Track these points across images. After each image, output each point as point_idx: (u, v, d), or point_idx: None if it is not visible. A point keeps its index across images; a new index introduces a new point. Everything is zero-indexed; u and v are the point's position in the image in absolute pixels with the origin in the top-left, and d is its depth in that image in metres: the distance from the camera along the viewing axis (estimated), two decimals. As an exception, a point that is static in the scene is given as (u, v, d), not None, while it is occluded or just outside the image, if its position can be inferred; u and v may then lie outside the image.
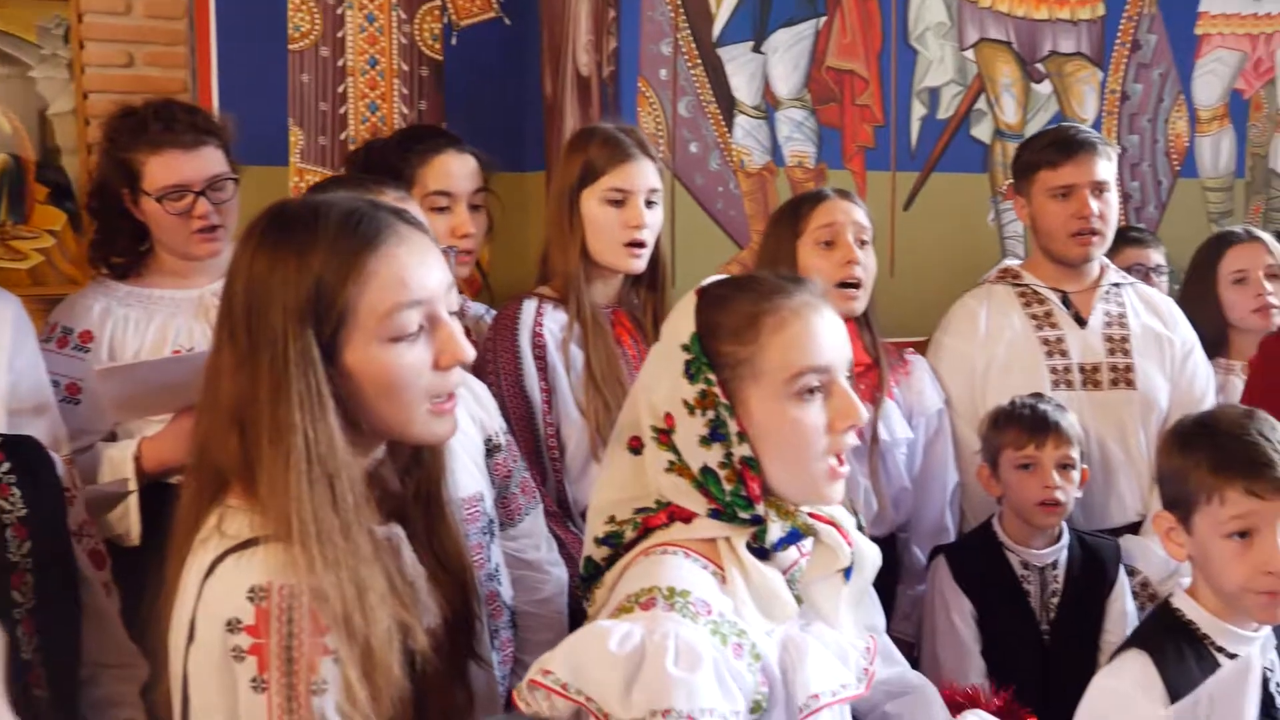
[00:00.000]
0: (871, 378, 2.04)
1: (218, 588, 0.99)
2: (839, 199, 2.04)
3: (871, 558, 1.20)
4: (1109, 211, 2.16)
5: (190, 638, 1.01)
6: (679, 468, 1.13)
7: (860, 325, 2.03)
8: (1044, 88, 2.94)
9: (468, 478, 1.44)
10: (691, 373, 1.12)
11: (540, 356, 1.84)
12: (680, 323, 1.16)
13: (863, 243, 2.02)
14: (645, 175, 1.89)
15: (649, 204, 1.89)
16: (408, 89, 2.82)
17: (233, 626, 0.97)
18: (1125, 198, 3.02)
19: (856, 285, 1.98)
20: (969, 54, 2.88)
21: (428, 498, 1.14)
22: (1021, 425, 1.93)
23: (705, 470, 1.11)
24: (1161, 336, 2.19)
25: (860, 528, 1.71)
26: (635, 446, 1.17)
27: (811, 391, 1.11)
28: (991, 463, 1.97)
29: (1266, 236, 2.50)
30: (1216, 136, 3.03)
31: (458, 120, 2.93)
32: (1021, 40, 2.90)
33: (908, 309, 2.53)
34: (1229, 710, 0.91)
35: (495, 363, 1.84)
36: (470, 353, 1.06)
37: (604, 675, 1.01)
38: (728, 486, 1.11)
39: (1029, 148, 2.27)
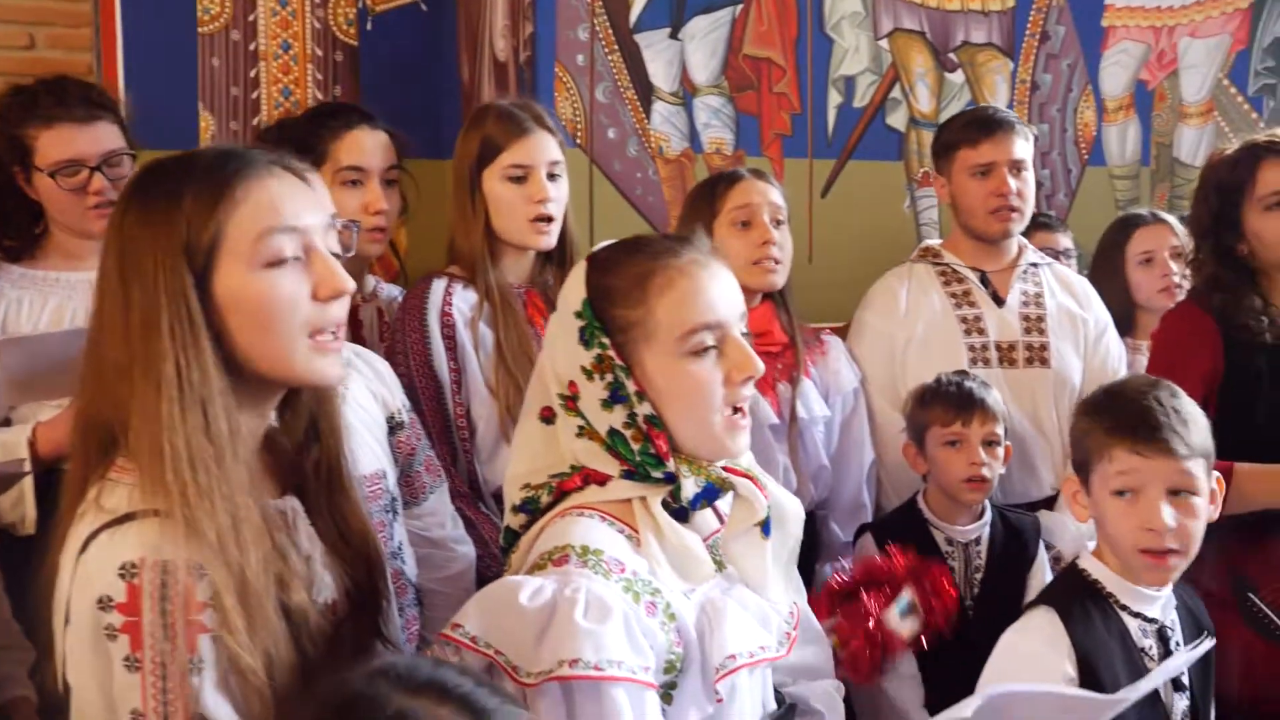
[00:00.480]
0: (788, 357, 2.07)
1: (90, 565, 0.97)
2: (754, 179, 2.06)
3: (793, 512, 1.21)
4: (1027, 190, 2.20)
5: (66, 618, 0.99)
6: (589, 432, 1.14)
7: (777, 305, 2.05)
8: (957, 77, 2.99)
9: (369, 455, 1.42)
10: (586, 338, 1.13)
11: (449, 336, 1.82)
12: (572, 290, 1.16)
13: (778, 222, 2.03)
14: (545, 148, 1.88)
15: (552, 177, 1.88)
16: (322, 74, 2.78)
17: (104, 604, 0.94)
18: (1037, 185, 3.09)
19: (775, 263, 1.99)
20: (884, 43, 2.92)
21: (328, 472, 1.12)
22: (948, 402, 1.95)
23: (612, 432, 1.12)
24: (1076, 316, 2.23)
25: None
26: (547, 416, 1.18)
27: (705, 348, 1.12)
28: (917, 440, 1.99)
29: (1171, 219, 2.58)
30: (1123, 126, 3.11)
31: (374, 107, 2.89)
32: (935, 30, 2.95)
33: (826, 294, 2.56)
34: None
35: (404, 342, 1.83)
36: (349, 283, 1.05)
37: (515, 629, 1.01)
38: (635, 446, 1.12)
39: (949, 127, 2.31)
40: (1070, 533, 2.04)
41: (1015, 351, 2.17)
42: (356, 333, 1.86)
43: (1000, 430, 1.95)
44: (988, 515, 1.99)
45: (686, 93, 2.72)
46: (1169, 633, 1.43)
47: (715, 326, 1.13)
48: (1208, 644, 1.17)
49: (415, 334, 1.81)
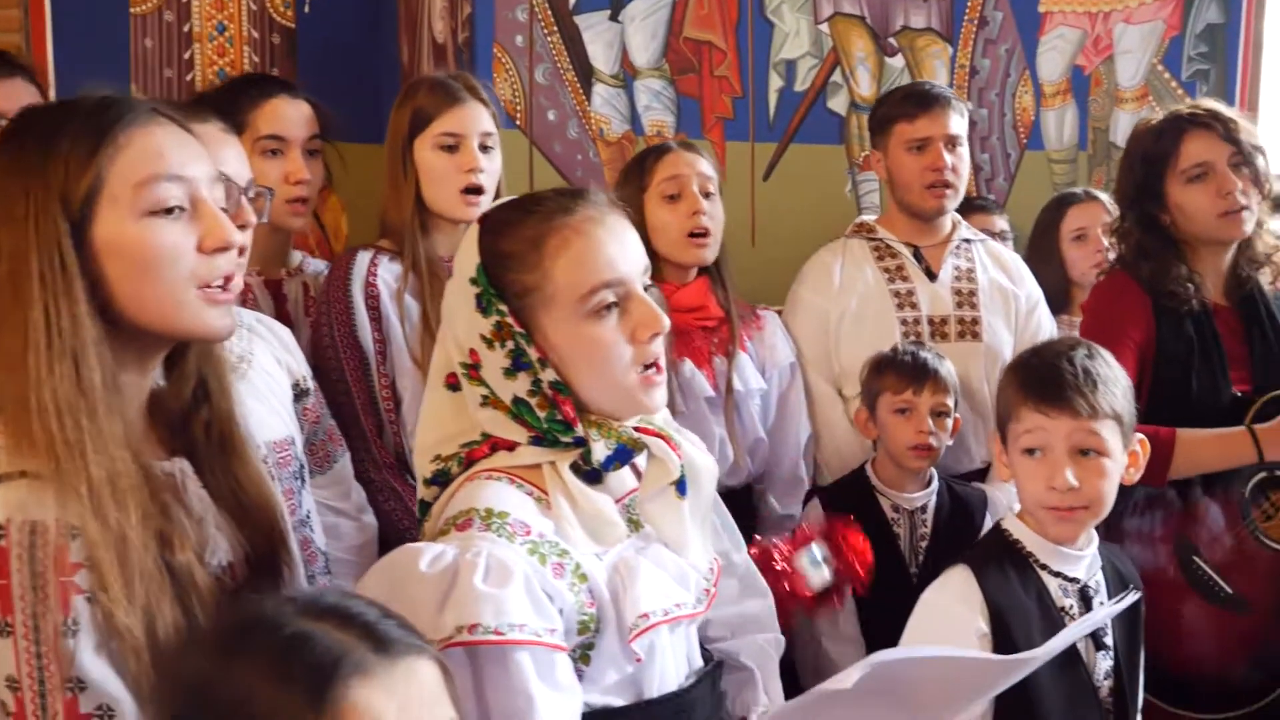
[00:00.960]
0: (724, 331, 2.07)
1: None
2: (682, 151, 2.06)
3: (706, 469, 1.19)
4: (961, 165, 2.22)
5: None
6: (493, 401, 1.11)
7: (713, 279, 2.06)
8: (897, 62, 3.01)
9: (278, 421, 1.41)
10: (483, 306, 1.10)
11: (373, 307, 1.81)
12: (466, 256, 1.13)
13: (708, 193, 2.03)
14: (477, 118, 1.87)
15: (484, 149, 1.87)
16: (259, 56, 2.75)
17: None
18: (976, 169, 3.13)
19: (705, 235, 1.99)
20: (824, 28, 2.94)
21: (220, 434, 1.09)
22: (901, 371, 1.98)
23: (517, 401, 1.10)
24: (1007, 291, 2.26)
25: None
26: (452, 384, 1.15)
27: (608, 307, 1.09)
28: (870, 406, 2.02)
29: (1104, 196, 2.62)
30: (1060, 111, 3.15)
31: (313, 90, 2.86)
32: (874, 15, 2.98)
33: (769, 276, 2.57)
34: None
35: (328, 314, 1.81)
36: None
37: (415, 596, 0.99)
38: (542, 413, 1.10)
39: (885, 102, 2.33)
40: (1001, 505, 2.06)
41: (947, 325, 2.20)
42: (281, 307, 1.84)
43: (950, 402, 1.98)
44: (934, 485, 2.02)
45: (627, 75, 2.72)
46: (1091, 592, 1.45)
47: (616, 284, 1.10)
48: (1131, 598, 1.18)
49: (339, 305, 1.80)
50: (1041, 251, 2.62)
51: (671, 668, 1.14)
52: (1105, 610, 1.05)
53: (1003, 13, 3.08)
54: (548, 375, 1.09)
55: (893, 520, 1.98)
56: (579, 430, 1.10)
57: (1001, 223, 2.81)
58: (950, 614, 1.38)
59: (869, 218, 2.39)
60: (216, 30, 2.68)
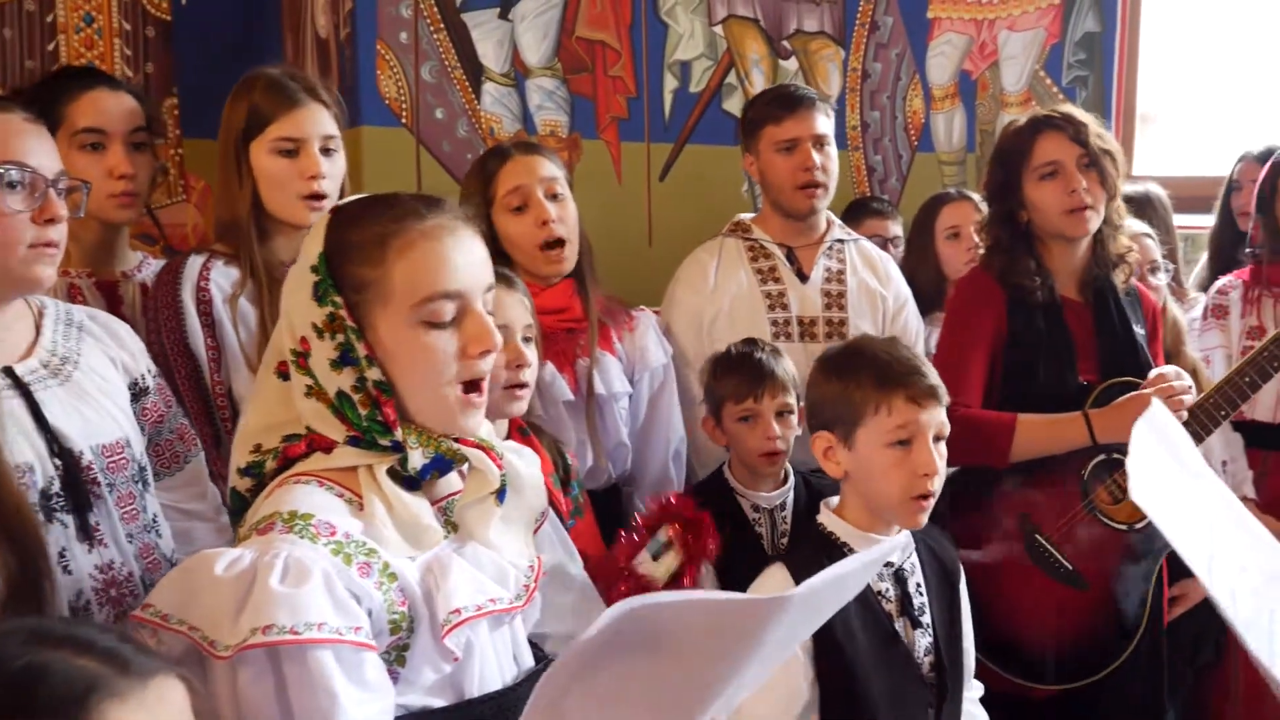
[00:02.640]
0: (587, 333, 2.03)
1: None
2: (521, 156, 1.97)
3: (531, 479, 1.19)
4: (830, 164, 2.24)
5: None
6: (316, 391, 1.09)
7: (578, 281, 2.01)
8: (791, 64, 3.04)
9: (109, 424, 1.33)
10: (319, 295, 1.07)
11: (206, 313, 1.73)
12: (311, 243, 1.11)
13: (555, 194, 1.96)
14: (318, 121, 1.78)
15: (326, 152, 1.79)
16: (131, 50, 2.63)
17: None
18: (869, 171, 3.18)
19: (560, 245, 1.95)
20: (718, 30, 2.94)
21: None
22: (740, 378, 1.95)
23: (340, 395, 1.08)
24: (875, 292, 2.30)
25: (566, 480, 1.73)
26: (283, 371, 1.12)
27: (442, 318, 1.07)
28: (715, 413, 2.00)
29: (975, 195, 2.67)
30: (949, 114, 3.22)
31: (192, 86, 2.76)
32: (768, 18, 2.99)
33: (665, 277, 2.55)
34: (835, 594, 0.95)
35: (157, 319, 1.73)
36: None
37: (211, 602, 0.96)
38: (363, 411, 1.07)
39: (754, 105, 2.34)
40: None
41: (816, 326, 2.22)
42: (116, 310, 1.74)
43: (791, 399, 1.96)
44: (791, 481, 2.01)
45: (518, 74, 2.68)
46: (906, 574, 1.51)
47: (455, 296, 1.08)
48: (898, 539, 1.22)
49: (168, 310, 1.72)
50: (918, 250, 2.67)
51: (494, 666, 1.12)
52: (879, 550, 1.03)
53: (893, 18, 3.13)
54: (373, 374, 1.07)
55: (754, 520, 1.97)
56: (398, 434, 1.08)
57: (895, 228, 2.84)
58: None
59: (746, 216, 2.39)
60: (84, 21, 2.56)
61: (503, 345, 1.58)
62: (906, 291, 2.36)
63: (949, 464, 2.08)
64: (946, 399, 1.48)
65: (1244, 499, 2.43)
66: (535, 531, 1.26)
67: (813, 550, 1.48)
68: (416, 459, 1.08)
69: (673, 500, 1.68)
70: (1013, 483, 1.94)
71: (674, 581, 1.61)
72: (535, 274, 1.95)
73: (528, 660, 1.18)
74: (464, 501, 1.13)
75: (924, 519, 1.47)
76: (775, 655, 0.94)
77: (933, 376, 1.47)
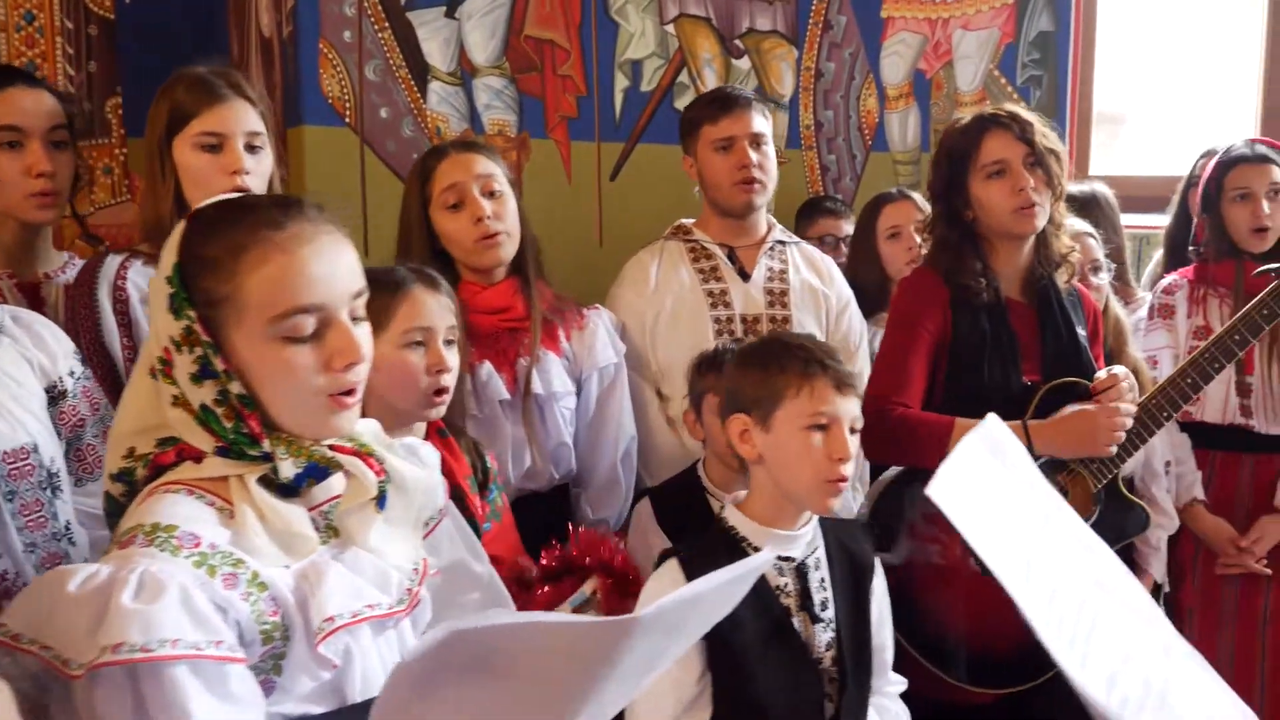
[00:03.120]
0: (529, 332, 2.02)
1: None
2: (458, 154, 1.97)
3: (421, 481, 1.17)
4: (768, 163, 2.26)
5: None
6: (183, 402, 1.07)
7: (520, 279, 2.01)
8: (743, 63, 3.03)
9: (14, 429, 1.31)
10: (174, 308, 1.05)
11: (122, 313, 1.72)
12: (167, 253, 1.08)
13: (492, 192, 1.96)
14: (241, 117, 1.77)
15: (251, 148, 1.78)
16: (73, 48, 2.61)
17: None
18: (823, 170, 3.17)
19: (494, 236, 1.94)
20: (670, 28, 2.93)
21: None
22: (720, 373, 1.97)
23: (204, 408, 1.06)
24: (818, 291, 2.31)
25: (485, 484, 1.72)
26: (155, 373, 1.10)
27: (301, 332, 1.04)
28: (696, 408, 2.00)
29: (916, 195, 2.68)
30: (904, 113, 3.22)
31: (136, 85, 2.73)
32: (720, 17, 2.99)
33: (616, 277, 2.56)
34: (701, 612, 0.94)
35: (74, 319, 1.72)
36: None
37: (64, 620, 0.94)
38: (228, 424, 1.05)
39: (692, 107, 2.36)
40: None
41: (760, 325, 2.23)
42: (39, 312, 1.73)
43: None
44: None
45: (465, 73, 2.67)
46: (808, 569, 1.51)
47: (314, 309, 1.05)
48: (764, 556, 1.16)
49: (85, 310, 1.71)
50: (861, 250, 2.67)
51: (378, 671, 1.10)
52: (744, 566, 1.02)
53: (846, 17, 3.13)
54: (234, 387, 1.05)
55: None
56: (265, 446, 1.06)
57: (848, 227, 2.85)
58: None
59: (687, 221, 2.40)
60: (24, 20, 2.54)
61: (426, 348, 1.59)
62: (849, 293, 2.37)
63: (888, 464, 2.10)
64: (861, 393, 1.51)
65: (1193, 501, 2.43)
66: (431, 531, 1.25)
67: (711, 546, 1.49)
68: (287, 469, 1.06)
69: (606, 547, 1.66)
70: None
71: None
72: (475, 269, 1.96)
73: None
74: (343, 507, 1.11)
75: (836, 505, 1.49)
76: (641, 673, 0.92)
77: (850, 368, 1.51)
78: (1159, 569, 2.35)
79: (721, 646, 1.41)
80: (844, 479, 1.46)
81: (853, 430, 1.49)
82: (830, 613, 1.51)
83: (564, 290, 2.35)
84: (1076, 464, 1.90)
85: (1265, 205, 2.39)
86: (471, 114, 2.69)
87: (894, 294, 2.13)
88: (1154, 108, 3.65)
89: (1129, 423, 1.86)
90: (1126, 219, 2.83)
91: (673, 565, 1.46)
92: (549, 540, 2.03)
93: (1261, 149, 2.46)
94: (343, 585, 1.06)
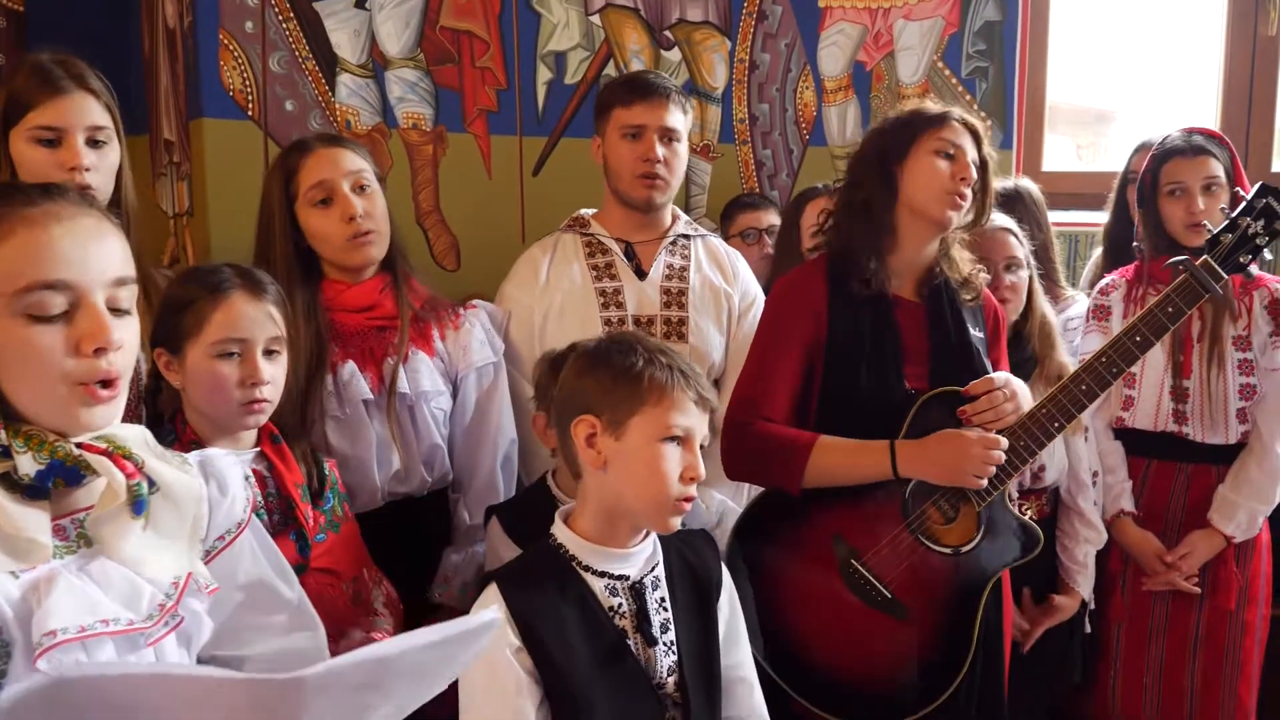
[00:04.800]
0: (398, 331, 1.95)
1: None
2: (325, 149, 1.90)
3: (186, 488, 1.12)
4: (675, 161, 2.16)
5: None
6: None
7: (388, 276, 1.95)
8: (673, 55, 2.97)
9: None
10: None
11: None
12: None
13: (362, 186, 1.90)
14: (82, 111, 1.72)
15: (94, 143, 1.73)
16: (-19, 41, 2.58)
17: None
18: (759, 165, 3.10)
19: (366, 234, 1.88)
20: (595, 19, 2.87)
21: None
22: None
23: None
24: (720, 290, 2.21)
25: (318, 486, 1.66)
26: None
27: (46, 310, 1.01)
28: (547, 411, 1.93)
29: None
30: (842, 106, 3.14)
31: (48, 77, 2.70)
32: (649, 7, 2.92)
33: (536, 274, 2.50)
34: (456, 654, 0.88)
35: None
36: None
37: None
38: None
39: (608, 88, 2.25)
40: (698, 509, 2.01)
41: (653, 326, 2.14)
42: None
43: None
44: None
45: (377, 65, 2.62)
46: (645, 588, 1.42)
47: (62, 287, 1.01)
48: (487, 616, 1.08)
49: None
50: (786, 247, 2.59)
51: None
52: (469, 623, 0.95)
53: (782, 7, 3.06)
54: None
55: None
56: (2, 438, 1.01)
57: (769, 218, 2.77)
58: None
59: (586, 211, 2.31)
60: (-72, 12, 2.51)
61: (241, 359, 1.54)
62: (756, 290, 2.27)
63: (742, 481, 2.01)
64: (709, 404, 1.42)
65: (1120, 513, 2.33)
66: (227, 546, 1.20)
67: (537, 566, 1.41)
68: (27, 465, 1.01)
69: None
70: (828, 502, 1.80)
71: None
72: (344, 267, 1.90)
73: None
74: (96, 513, 1.06)
75: (676, 524, 1.41)
76: None
77: (706, 389, 1.43)
78: (1085, 587, 2.26)
79: (556, 675, 1.33)
80: (691, 499, 1.39)
81: (701, 447, 1.41)
82: (671, 634, 1.42)
83: (485, 288, 2.30)
84: None
85: (1200, 200, 2.29)
86: (384, 107, 2.64)
87: (770, 294, 1.99)
88: (1142, 105, 3.56)
89: (1000, 456, 1.73)
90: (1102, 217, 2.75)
91: (493, 591, 1.37)
92: (426, 548, 1.99)
93: (1198, 140, 2.34)
94: (74, 598, 1.01)
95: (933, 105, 1.89)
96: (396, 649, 0.82)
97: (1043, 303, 2.35)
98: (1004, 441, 1.75)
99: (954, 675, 1.77)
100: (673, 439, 1.38)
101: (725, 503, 2.05)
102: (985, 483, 1.74)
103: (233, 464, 1.24)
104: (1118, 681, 2.35)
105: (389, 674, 0.84)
